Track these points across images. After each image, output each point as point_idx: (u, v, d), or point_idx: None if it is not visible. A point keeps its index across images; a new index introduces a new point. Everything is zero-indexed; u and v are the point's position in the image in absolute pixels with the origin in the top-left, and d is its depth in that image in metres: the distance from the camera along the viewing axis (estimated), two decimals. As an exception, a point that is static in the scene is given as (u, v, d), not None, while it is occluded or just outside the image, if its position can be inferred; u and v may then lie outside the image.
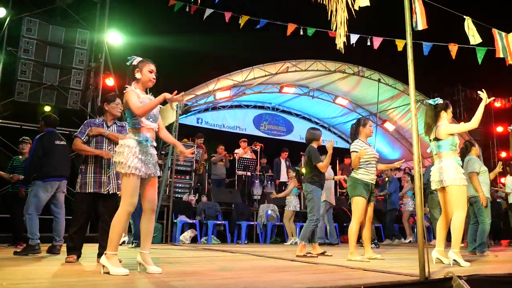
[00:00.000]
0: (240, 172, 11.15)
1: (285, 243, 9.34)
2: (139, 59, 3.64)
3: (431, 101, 4.70)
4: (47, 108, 9.45)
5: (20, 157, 6.98)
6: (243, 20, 9.58)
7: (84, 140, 4.46)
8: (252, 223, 9.68)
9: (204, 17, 9.52)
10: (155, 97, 3.46)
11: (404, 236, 10.57)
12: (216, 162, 10.99)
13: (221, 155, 11.01)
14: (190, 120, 13.14)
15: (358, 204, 5.11)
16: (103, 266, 3.29)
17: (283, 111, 15.08)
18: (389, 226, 10.19)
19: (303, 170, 10.18)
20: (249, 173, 11.10)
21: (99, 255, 4.24)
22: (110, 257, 3.29)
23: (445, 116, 4.67)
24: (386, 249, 7.64)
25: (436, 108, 4.67)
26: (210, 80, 11.09)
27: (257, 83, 11.97)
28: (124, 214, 3.37)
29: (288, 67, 11.54)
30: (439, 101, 4.68)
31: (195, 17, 9.71)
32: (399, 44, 9.28)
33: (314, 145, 5.97)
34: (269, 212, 9.82)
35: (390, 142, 15.57)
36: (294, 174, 9.58)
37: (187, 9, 9.49)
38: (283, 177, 11.63)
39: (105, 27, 10.17)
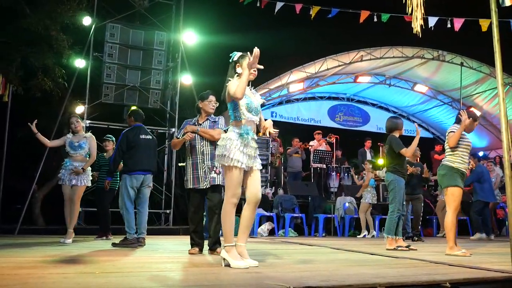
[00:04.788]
0: (315, 165, 11.05)
1: (358, 236, 9.15)
2: (239, 54, 3.65)
3: None
4: (133, 108, 10.00)
5: (105, 154, 7.36)
6: (314, 10, 9.46)
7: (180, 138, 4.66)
8: (329, 216, 9.58)
9: (276, 10, 9.54)
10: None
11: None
12: (292, 154, 11.01)
13: (296, 147, 11.01)
14: (264, 114, 13.04)
15: (454, 195, 4.83)
16: (224, 259, 3.37)
17: (359, 101, 14.70)
18: (473, 219, 9.43)
19: (380, 161, 9.94)
20: (324, 166, 10.98)
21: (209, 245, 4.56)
22: (229, 250, 3.36)
23: None
24: (475, 244, 7.21)
25: None
26: (283, 73, 11.10)
27: (330, 73, 11.81)
28: (229, 206, 3.45)
29: (362, 55, 11.24)
30: None
31: (266, 12, 9.77)
32: (483, 24, 8.67)
33: (396, 134, 5.78)
34: (347, 204, 9.65)
35: (476, 129, 14.45)
36: (370, 166, 9.36)
37: (258, 4, 9.56)
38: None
39: (180, 28, 10.54)
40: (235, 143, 3.44)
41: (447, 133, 5.03)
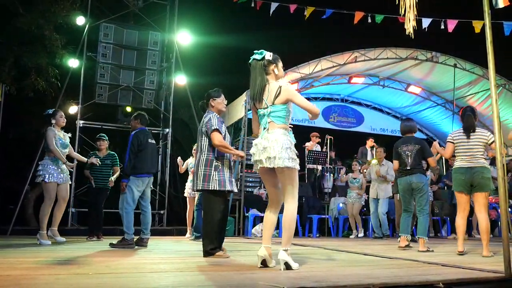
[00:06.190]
0: (310, 166, 11.07)
1: (351, 236, 9.17)
2: (271, 53, 3.57)
3: None
4: (128, 109, 10.00)
5: (99, 153, 7.18)
6: (308, 11, 9.48)
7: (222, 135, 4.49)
8: (323, 216, 9.59)
9: (271, 11, 9.54)
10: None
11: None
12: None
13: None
14: (258, 114, 13.22)
15: (488, 198, 4.87)
16: (285, 262, 3.26)
17: (353, 102, 14.72)
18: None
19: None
20: (320, 167, 10.98)
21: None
22: (289, 253, 3.33)
23: None
24: (471, 244, 7.23)
25: None
26: (277, 74, 11.11)
27: (324, 74, 11.81)
28: (296, 208, 3.41)
29: (356, 56, 11.26)
30: None
31: (260, 13, 9.78)
32: (477, 25, 8.73)
33: (413, 135, 5.96)
34: (341, 205, 9.67)
35: (469, 130, 14.62)
36: (359, 168, 9.35)
37: (253, 5, 9.56)
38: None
39: (174, 28, 10.53)
40: (292, 147, 3.43)
41: (488, 139, 4.94)
